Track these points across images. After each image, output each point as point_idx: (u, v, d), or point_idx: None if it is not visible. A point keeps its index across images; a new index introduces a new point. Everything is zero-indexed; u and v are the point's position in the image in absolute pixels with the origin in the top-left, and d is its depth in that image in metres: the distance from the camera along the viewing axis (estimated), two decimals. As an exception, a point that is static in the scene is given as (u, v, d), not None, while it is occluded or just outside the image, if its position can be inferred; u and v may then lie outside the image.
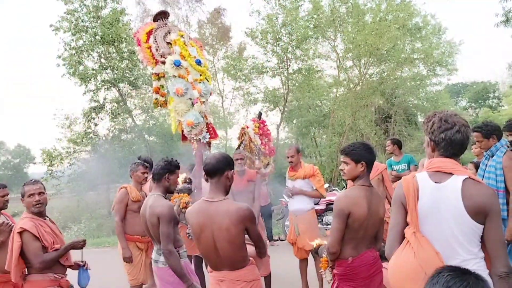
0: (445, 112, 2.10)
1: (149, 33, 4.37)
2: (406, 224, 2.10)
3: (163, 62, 4.34)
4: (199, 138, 4.34)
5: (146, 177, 4.79)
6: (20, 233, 3.15)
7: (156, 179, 3.46)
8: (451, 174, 2.00)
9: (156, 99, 4.73)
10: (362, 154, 2.81)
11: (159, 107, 4.82)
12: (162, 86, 4.61)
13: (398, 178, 5.96)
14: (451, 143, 2.03)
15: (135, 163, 4.74)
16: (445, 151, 2.06)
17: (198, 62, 4.45)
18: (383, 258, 3.45)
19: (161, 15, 4.45)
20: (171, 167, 3.50)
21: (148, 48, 4.32)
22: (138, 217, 4.50)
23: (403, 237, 2.10)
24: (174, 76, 4.22)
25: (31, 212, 3.31)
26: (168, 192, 3.54)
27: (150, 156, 15.14)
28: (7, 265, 3.20)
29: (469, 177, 1.97)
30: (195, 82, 4.33)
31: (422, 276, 1.91)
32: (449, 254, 1.93)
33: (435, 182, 2.02)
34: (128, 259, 4.41)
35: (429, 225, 2.00)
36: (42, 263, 3.15)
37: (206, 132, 4.40)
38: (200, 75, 4.40)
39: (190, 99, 4.26)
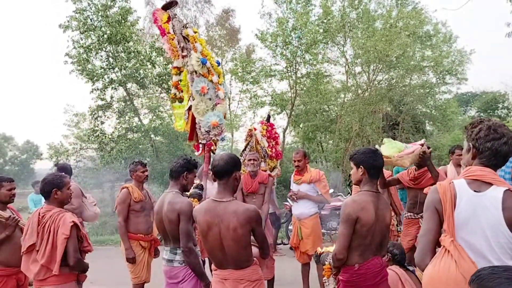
0: (494, 121, 2.06)
1: (167, 21, 4.36)
2: (439, 231, 2.03)
3: (183, 56, 4.33)
4: (216, 139, 4.35)
5: (147, 176, 4.77)
6: (72, 226, 3.16)
7: (174, 177, 3.45)
8: (491, 184, 1.95)
9: (175, 93, 4.73)
10: (361, 159, 2.82)
11: (177, 102, 4.80)
12: (180, 81, 4.61)
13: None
14: (496, 153, 1.99)
15: (133, 163, 4.74)
16: (488, 160, 2.01)
17: (218, 63, 4.47)
18: (394, 261, 3.44)
19: (171, 4, 4.42)
20: (190, 166, 3.49)
21: (172, 39, 4.31)
22: (141, 216, 4.56)
23: (435, 245, 2.03)
24: (195, 73, 4.21)
25: (62, 205, 3.35)
26: (184, 190, 3.53)
27: (156, 156, 15.29)
28: (45, 260, 3.15)
29: (509, 189, 1.93)
30: (218, 83, 4.34)
31: (464, 287, 1.83)
32: (483, 265, 1.85)
33: (474, 191, 1.96)
34: (131, 260, 4.43)
35: (465, 234, 1.94)
36: (77, 260, 3.19)
37: (225, 133, 4.43)
38: (219, 76, 4.41)
39: (210, 99, 4.27)
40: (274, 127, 6.16)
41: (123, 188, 4.64)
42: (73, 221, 3.19)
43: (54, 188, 3.30)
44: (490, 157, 2.00)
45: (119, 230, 4.57)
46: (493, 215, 1.88)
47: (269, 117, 6.30)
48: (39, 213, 3.27)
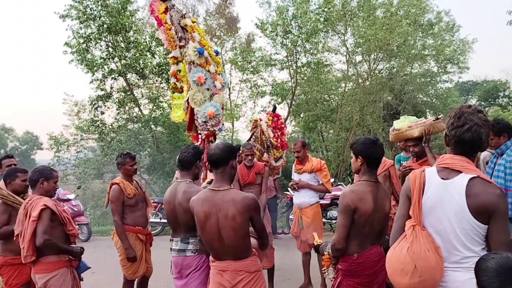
0: (466, 108, 2.04)
1: (165, 12, 4.33)
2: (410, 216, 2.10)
3: (181, 47, 4.30)
4: (214, 129, 4.32)
5: (136, 169, 4.54)
6: (42, 209, 3.24)
7: (186, 167, 3.42)
8: (460, 172, 1.97)
9: (174, 83, 4.70)
10: (359, 149, 2.81)
11: (176, 93, 4.77)
12: (179, 71, 4.57)
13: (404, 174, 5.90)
14: (459, 141, 2.00)
15: (121, 156, 4.47)
16: (455, 148, 2.04)
17: (217, 53, 4.42)
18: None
19: None
20: (200, 155, 3.53)
21: (169, 29, 4.28)
22: (138, 209, 4.41)
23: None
24: (192, 63, 4.18)
25: (47, 196, 3.41)
26: (195, 179, 3.54)
27: (157, 146, 15.27)
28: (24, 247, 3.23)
29: (478, 176, 1.94)
30: (216, 73, 4.30)
31: (411, 269, 1.94)
32: (450, 250, 1.95)
33: (442, 178, 2.01)
34: (132, 259, 4.27)
35: (432, 220, 2.01)
36: (45, 241, 3.20)
37: (223, 124, 4.41)
38: (217, 66, 4.38)
39: (208, 89, 4.24)
40: (280, 117, 6.16)
41: (113, 184, 4.38)
42: (44, 205, 3.25)
43: (42, 178, 3.40)
44: (456, 145, 2.03)
45: (116, 229, 4.30)
46: (457, 202, 1.93)
47: (275, 107, 6.31)
48: (25, 204, 3.35)
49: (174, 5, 4.41)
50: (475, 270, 1.50)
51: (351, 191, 2.74)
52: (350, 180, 9.96)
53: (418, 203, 2.03)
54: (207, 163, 3.10)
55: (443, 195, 1.98)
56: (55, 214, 3.32)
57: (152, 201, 7.72)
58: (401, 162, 6.46)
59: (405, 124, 3.97)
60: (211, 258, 2.84)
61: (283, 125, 6.05)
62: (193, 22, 4.38)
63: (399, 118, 4.28)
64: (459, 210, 1.91)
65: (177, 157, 3.50)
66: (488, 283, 1.40)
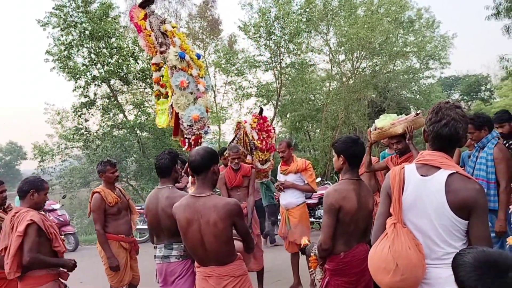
0: (443, 103, 2.04)
1: (144, 19, 4.31)
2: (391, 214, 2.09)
3: (162, 52, 4.29)
4: (199, 133, 4.31)
5: (117, 176, 4.47)
6: (28, 225, 3.12)
7: (166, 173, 3.38)
8: (439, 168, 1.97)
9: (158, 90, 4.67)
10: (341, 148, 2.83)
11: (162, 99, 4.75)
12: (162, 76, 4.55)
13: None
14: (437, 136, 2.00)
15: (102, 163, 4.42)
16: (433, 144, 2.04)
17: (198, 56, 4.41)
18: None
19: (148, 2, 4.37)
20: (177, 158, 3.50)
21: (148, 36, 4.27)
22: (120, 218, 4.36)
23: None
24: (174, 67, 4.16)
25: (35, 208, 3.31)
26: (175, 182, 3.52)
27: (143, 152, 15.14)
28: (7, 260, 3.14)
29: (457, 172, 1.94)
30: (198, 76, 4.30)
31: (393, 268, 1.94)
32: (431, 247, 1.95)
33: (421, 175, 2.00)
34: (115, 268, 4.21)
35: (412, 217, 2.01)
36: (31, 259, 3.11)
37: (208, 127, 4.40)
38: (200, 69, 4.37)
39: (191, 93, 4.23)
40: (267, 120, 6.13)
41: (94, 192, 4.32)
42: (31, 219, 3.14)
43: (32, 189, 3.30)
44: (434, 140, 2.02)
45: (98, 239, 4.25)
46: (436, 198, 1.92)
47: (261, 110, 6.29)
48: (11, 217, 3.24)
49: (154, 11, 4.40)
50: (452, 266, 1.51)
51: (334, 190, 2.73)
52: (337, 179, 10.02)
53: (398, 201, 2.02)
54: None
55: (423, 192, 1.97)
56: (42, 230, 3.21)
57: (140, 207, 7.69)
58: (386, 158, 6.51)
59: (387, 122, 4.00)
60: (196, 264, 2.82)
61: (270, 128, 6.02)
62: (173, 27, 4.38)
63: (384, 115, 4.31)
64: (439, 207, 1.91)
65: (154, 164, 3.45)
66: (466, 278, 1.41)
